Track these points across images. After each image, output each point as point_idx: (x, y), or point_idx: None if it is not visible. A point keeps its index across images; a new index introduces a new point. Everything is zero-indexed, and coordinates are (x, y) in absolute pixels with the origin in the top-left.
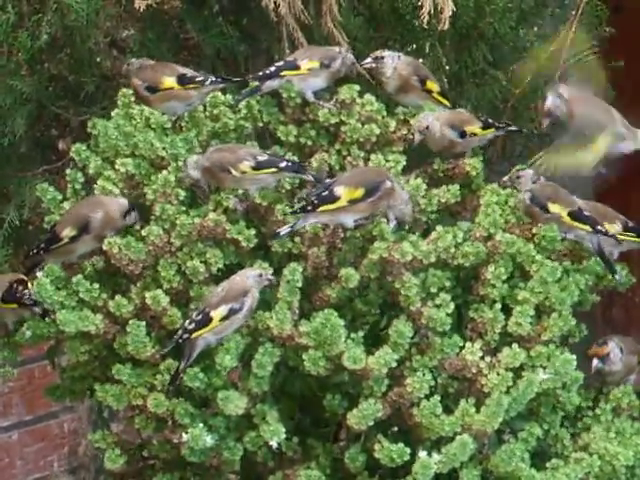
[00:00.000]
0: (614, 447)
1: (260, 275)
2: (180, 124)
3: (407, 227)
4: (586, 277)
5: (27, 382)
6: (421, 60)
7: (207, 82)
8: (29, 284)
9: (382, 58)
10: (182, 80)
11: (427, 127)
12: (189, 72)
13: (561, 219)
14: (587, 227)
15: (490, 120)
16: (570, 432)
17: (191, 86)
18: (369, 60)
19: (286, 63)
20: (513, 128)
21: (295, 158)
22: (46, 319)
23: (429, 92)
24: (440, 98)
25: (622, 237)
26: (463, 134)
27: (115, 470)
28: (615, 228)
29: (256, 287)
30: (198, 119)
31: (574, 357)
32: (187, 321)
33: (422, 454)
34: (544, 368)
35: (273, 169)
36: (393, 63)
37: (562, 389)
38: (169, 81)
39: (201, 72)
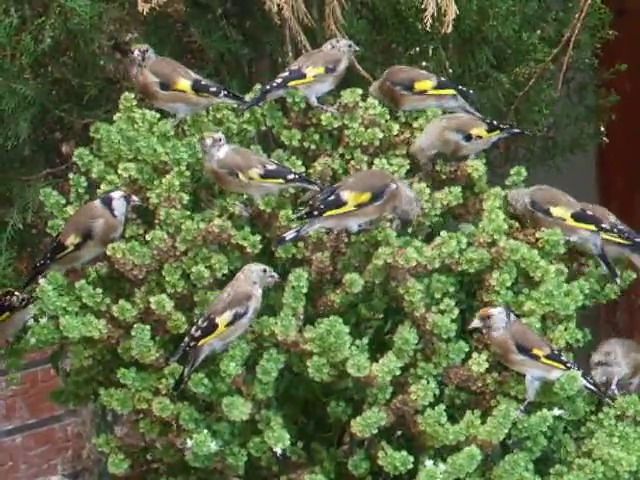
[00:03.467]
0: (617, 452)
1: (264, 271)
2: (183, 128)
3: (411, 230)
4: (591, 281)
5: (30, 386)
6: (424, 63)
7: (220, 94)
8: (16, 292)
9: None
10: (196, 86)
11: (420, 147)
12: (203, 79)
13: (565, 222)
14: (591, 227)
15: (495, 122)
16: (573, 437)
17: (204, 94)
18: None
19: (292, 73)
20: (516, 130)
21: (302, 168)
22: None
23: (422, 92)
24: (438, 92)
25: (606, 237)
26: (469, 137)
27: (119, 474)
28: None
29: (260, 284)
30: (201, 123)
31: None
32: (193, 328)
33: (428, 463)
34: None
35: (280, 180)
36: (373, 87)
37: (567, 399)
38: (183, 83)
39: (214, 83)
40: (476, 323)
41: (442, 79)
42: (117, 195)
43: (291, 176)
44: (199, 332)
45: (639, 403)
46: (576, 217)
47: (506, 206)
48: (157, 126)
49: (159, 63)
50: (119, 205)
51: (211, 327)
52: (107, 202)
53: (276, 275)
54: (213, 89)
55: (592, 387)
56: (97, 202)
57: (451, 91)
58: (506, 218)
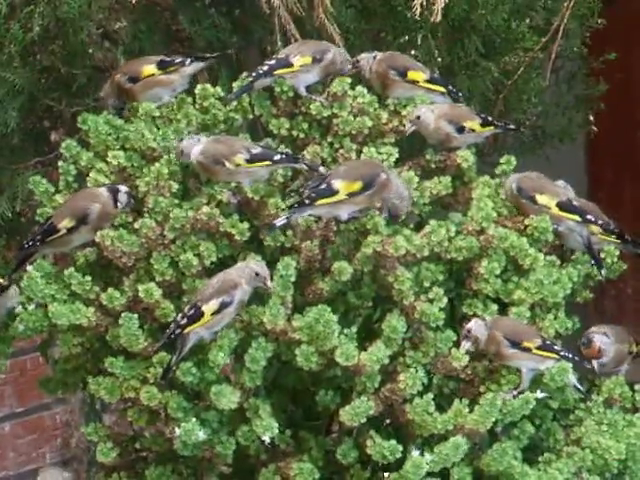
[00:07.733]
0: (606, 440)
1: (257, 274)
2: (169, 117)
3: (400, 220)
4: (578, 268)
5: (19, 374)
6: (413, 52)
7: (187, 62)
8: None
9: (358, 62)
10: (162, 64)
11: (418, 117)
12: (168, 57)
13: (550, 210)
14: (576, 217)
15: (489, 118)
16: (562, 425)
17: (171, 68)
18: (349, 67)
19: (278, 61)
20: (512, 127)
21: (288, 150)
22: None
23: (414, 82)
24: (429, 85)
25: (602, 237)
26: (461, 129)
27: (107, 463)
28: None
29: (248, 283)
30: (187, 111)
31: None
32: (179, 315)
33: (415, 453)
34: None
35: (267, 162)
36: (369, 64)
37: (557, 389)
38: (149, 68)
39: (179, 55)
40: (465, 345)
41: (435, 75)
42: (124, 189)
43: (277, 157)
44: (185, 320)
45: (624, 384)
46: (561, 206)
47: (496, 194)
48: (142, 106)
49: (126, 63)
50: (123, 199)
51: (197, 315)
52: (113, 192)
53: (270, 286)
54: (179, 60)
55: (579, 386)
56: (102, 189)
57: (441, 88)
58: (495, 206)
